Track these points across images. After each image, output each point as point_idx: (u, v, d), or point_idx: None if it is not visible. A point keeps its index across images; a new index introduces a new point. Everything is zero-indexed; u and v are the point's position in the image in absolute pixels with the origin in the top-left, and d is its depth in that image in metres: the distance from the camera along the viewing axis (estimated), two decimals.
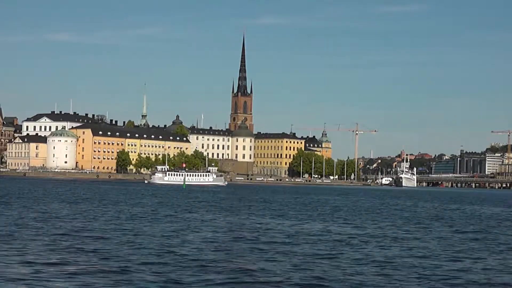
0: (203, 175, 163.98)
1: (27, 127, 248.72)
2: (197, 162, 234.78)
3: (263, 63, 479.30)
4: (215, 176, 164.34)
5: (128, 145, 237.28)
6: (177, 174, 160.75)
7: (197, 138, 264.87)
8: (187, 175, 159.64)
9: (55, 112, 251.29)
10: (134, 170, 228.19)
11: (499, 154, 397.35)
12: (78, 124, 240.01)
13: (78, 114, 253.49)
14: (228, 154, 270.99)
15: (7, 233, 29.18)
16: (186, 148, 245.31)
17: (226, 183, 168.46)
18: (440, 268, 21.95)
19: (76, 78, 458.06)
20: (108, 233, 30.43)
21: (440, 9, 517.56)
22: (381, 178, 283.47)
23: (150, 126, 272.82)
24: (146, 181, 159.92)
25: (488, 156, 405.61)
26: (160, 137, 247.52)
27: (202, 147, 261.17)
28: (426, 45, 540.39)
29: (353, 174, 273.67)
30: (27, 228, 31.74)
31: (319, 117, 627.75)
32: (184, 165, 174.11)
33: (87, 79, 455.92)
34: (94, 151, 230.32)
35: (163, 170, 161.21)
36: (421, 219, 49.80)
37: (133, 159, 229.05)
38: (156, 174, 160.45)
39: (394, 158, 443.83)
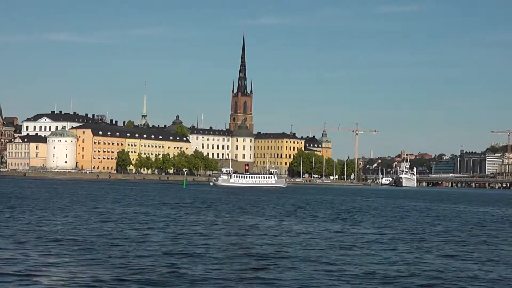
0: (266, 177, 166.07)
1: (27, 127, 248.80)
2: (197, 162, 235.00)
3: (263, 63, 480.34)
4: (276, 178, 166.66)
5: (128, 145, 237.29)
6: (241, 176, 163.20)
7: (197, 138, 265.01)
8: (251, 177, 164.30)
9: (55, 112, 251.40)
10: (134, 170, 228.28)
11: (499, 154, 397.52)
12: (78, 124, 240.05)
13: (78, 114, 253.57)
14: (228, 154, 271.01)
15: None
16: (186, 148, 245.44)
17: (286, 185, 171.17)
18: None
19: (76, 78, 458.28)
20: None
21: (440, 9, 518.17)
22: (381, 178, 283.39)
23: (150, 126, 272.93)
24: (211, 183, 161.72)
25: (488, 156, 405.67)
26: (160, 137, 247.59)
27: (202, 147, 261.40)
28: (426, 45, 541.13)
29: (353, 174, 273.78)
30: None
31: (319, 117, 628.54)
32: (247, 167, 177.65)
33: (87, 79, 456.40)
34: (94, 151, 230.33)
35: (228, 172, 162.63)
36: None
37: (133, 159, 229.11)
38: (221, 176, 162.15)
39: (394, 158, 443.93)
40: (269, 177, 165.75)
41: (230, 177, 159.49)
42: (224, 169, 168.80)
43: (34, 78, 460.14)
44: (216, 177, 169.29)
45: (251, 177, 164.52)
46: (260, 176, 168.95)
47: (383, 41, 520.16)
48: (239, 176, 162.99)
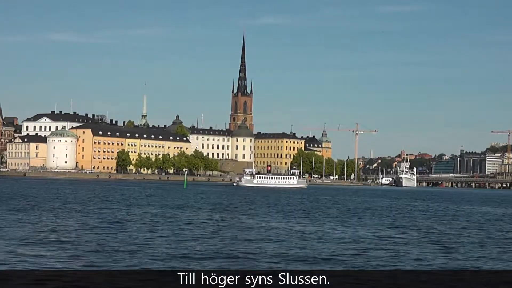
0: (288, 178, 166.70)
1: (27, 127, 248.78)
2: (197, 162, 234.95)
3: (263, 63, 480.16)
4: (298, 179, 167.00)
5: (128, 145, 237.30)
6: (264, 177, 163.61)
7: (197, 138, 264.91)
8: (274, 177, 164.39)
9: (55, 112, 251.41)
10: (134, 170, 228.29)
11: (499, 154, 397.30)
12: (78, 124, 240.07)
13: (78, 114, 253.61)
14: (228, 154, 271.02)
15: None
16: (186, 148, 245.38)
17: (307, 185, 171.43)
18: None
19: (76, 78, 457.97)
20: None
21: (440, 9, 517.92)
22: (381, 178, 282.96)
23: (150, 126, 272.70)
24: (234, 184, 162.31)
25: (488, 156, 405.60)
26: (160, 137, 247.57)
27: (202, 147, 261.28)
28: (426, 45, 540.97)
29: (353, 174, 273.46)
30: None
31: (319, 117, 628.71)
32: (269, 168, 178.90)
33: (87, 79, 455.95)
34: (94, 151, 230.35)
35: (251, 173, 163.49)
36: None
37: (133, 159, 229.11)
38: (244, 176, 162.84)
39: (394, 158, 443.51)
40: (291, 177, 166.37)
41: (253, 178, 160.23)
42: (247, 170, 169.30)
43: (34, 78, 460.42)
44: (239, 177, 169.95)
45: (274, 177, 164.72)
46: (283, 176, 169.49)
47: (383, 41, 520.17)
48: (262, 177, 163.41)
